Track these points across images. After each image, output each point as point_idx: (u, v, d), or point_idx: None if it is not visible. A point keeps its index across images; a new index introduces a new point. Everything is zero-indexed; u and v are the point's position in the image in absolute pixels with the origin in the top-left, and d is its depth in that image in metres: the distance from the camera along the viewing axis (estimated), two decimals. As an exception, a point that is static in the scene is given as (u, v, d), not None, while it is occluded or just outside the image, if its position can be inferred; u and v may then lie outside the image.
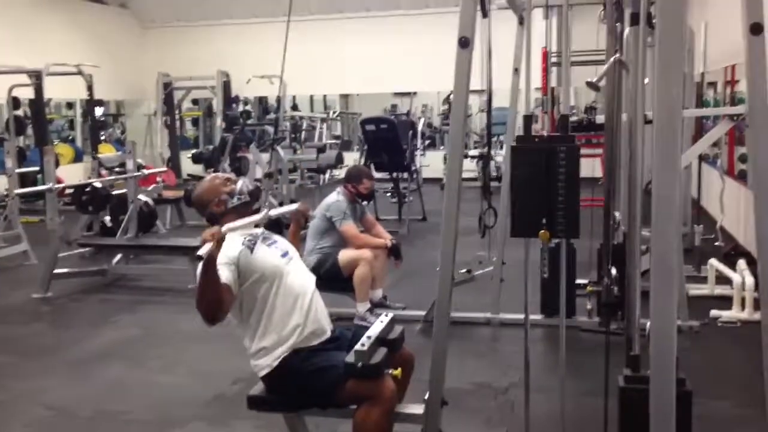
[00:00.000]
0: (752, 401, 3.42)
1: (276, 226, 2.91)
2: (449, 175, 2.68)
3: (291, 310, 2.66)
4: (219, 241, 2.39)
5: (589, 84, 2.97)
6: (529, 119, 2.76)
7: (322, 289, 2.88)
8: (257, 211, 2.91)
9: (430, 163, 11.90)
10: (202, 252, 2.34)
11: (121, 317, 5.54)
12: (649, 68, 2.73)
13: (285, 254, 2.78)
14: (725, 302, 5.08)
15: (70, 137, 14.17)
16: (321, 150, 10.77)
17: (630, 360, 2.30)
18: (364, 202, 5.25)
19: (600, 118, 5.26)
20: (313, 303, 2.74)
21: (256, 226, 2.80)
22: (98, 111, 12.66)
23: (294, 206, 3.12)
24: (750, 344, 4.31)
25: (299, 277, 2.77)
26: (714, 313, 4.94)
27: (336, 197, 5.09)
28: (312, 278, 2.85)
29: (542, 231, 2.52)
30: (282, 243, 2.84)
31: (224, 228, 2.45)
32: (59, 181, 6.61)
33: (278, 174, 9.81)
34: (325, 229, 4.99)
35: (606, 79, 3.38)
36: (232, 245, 2.61)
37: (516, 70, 4.89)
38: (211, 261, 2.38)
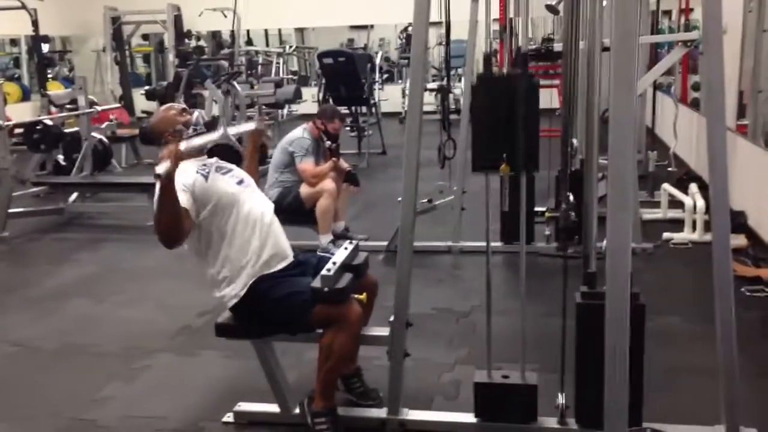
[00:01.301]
0: (701, 317, 3.58)
1: (233, 155, 2.87)
2: (411, 106, 2.69)
3: (250, 237, 2.67)
4: (177, 158, 2.36)
5: (549, 7, 2.98)
6: (488, 58, 2.77)
7: (284, 223, 2.90)
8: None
9: (389, 97, 11.81)
10: (159, 170, 2.31)
11: (80, 255, 5.50)
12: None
13: (241, 182, 2.77)
14: (677, 225, 5.25)
15: (16, 75, 13.66)
16: (278, 85, 10.58)
17: (587, 277, 2.39)
18: (328, 143, 5.20)
19: (557, 47, 5.28)
20: (272, 228, 2.76)
21: (212, 152, 2.77)
22: (44, 47, 12.20)
23: (251, 125, 3.06)
24: (700, 264, 4.49)
25: (256, 203, 2.76)
26: (666, 235, 5.11)
27: (301, 133, 5.04)
28: (270, 205, 2.85)
29: (503, 165, 2.58)
30: (237, 171, 2.82)
31: (182, 145, 2.43)
32: (8, 120, 6.41)
33: (236, 110, 9.67)
34: (288, 163, 4.97)
35: (564, 4, 3.39)
36: (186, 174, 2.59)
37: (475, -2, 4.84)
38: (169, 178, 2.35)
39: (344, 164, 5.22)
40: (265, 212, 2.77)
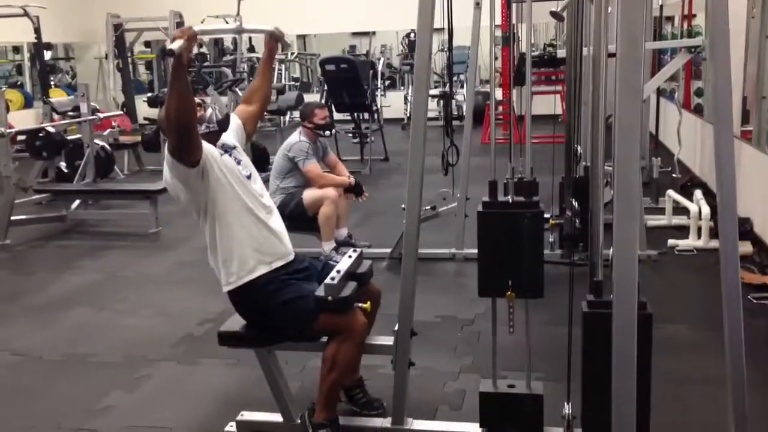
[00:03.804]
0: (708, 324, 3.57)
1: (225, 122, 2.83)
2: (415, 113, 2.67)
3: (251, 228, 2.65)
4: (190, 38, 2.35)
5: (553, 13, 2.96)
6: (494, 185, 2.73)
7: (287, 230, 2.87)
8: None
9: (391, 103, 11.80)
10: (173, 46, 2.28)
11: (82, 262, 5.48)
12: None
13: (249, 176, 2.75)
14: (682, 232, 5.23)
15: (19, 83, 13.68)
16: (280, 91, 10.59)
17: (593, 285, 2.36)
18: (327, 132, 5.18)
19: (560, 53, 5.28)
20: (274, 223, 2.74)
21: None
22: (47, 55, 12.21)
23: (269, 27, 2.98)
24: (706, 271, 4.48)
25: (260, 197, 2.75)
26: (671, 242, 5.08)
27: (297, 137, 5.04)
28: (271, 201, 2.85)
29: (508, 292, 2.60)
30: (247, 164, 2.80)
31: (196, 27, 2.42)
32: (10, 127, 6.41)
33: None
34: (288, 169, 4.95)
35: (568, 11, 3.37)
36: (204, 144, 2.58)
37: (477, 4, 4.83)
38: (181, 58, 2.32)
39: (346, 173, 5.19)
40: (268, 207, 2.76)
